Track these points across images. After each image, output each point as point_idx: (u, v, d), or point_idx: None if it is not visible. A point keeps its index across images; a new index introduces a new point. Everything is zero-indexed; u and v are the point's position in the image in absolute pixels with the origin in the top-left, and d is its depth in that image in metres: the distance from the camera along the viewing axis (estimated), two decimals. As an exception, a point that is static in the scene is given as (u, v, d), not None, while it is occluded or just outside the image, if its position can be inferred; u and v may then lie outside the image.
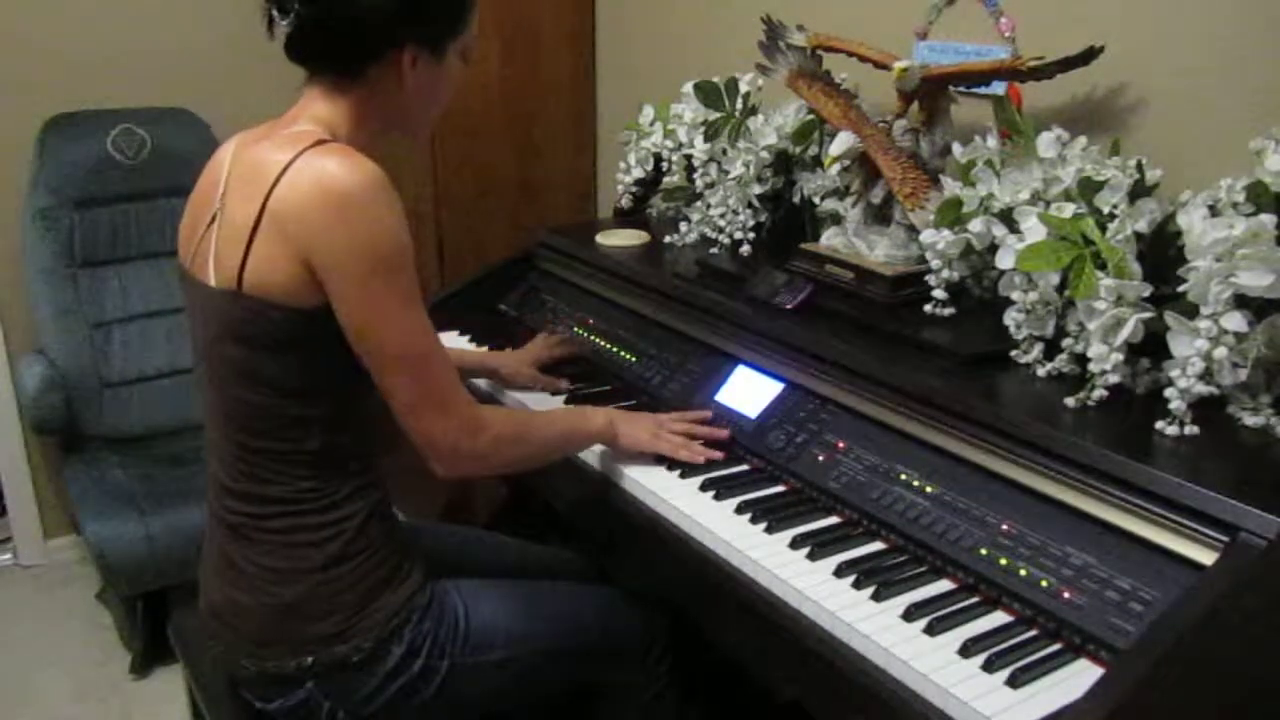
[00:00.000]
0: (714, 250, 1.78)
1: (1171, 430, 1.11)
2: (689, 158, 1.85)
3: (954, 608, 1.06)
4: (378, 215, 1.09)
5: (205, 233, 1.18)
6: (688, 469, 1.35)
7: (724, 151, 1.76)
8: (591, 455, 1.42)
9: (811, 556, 1.16)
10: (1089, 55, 1.34)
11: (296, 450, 1.18)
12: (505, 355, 1.69)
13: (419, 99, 1.22)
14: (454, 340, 1.85)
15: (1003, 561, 1.08)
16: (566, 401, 1.59)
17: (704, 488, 1.31)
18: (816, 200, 1.71)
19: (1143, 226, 1.21)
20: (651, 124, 1.96)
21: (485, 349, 1.76)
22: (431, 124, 1.30)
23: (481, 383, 1.67)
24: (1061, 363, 1.25)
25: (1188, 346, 1.10)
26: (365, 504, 1.23)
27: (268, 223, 1.10)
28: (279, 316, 1.11)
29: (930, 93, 1.48)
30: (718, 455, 1.37)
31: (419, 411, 1.16)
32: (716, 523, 1.23)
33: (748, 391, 1.44)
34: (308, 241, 1.08)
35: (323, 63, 1.17)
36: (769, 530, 1.21)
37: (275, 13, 1.14)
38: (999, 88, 1.51)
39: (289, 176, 1.09)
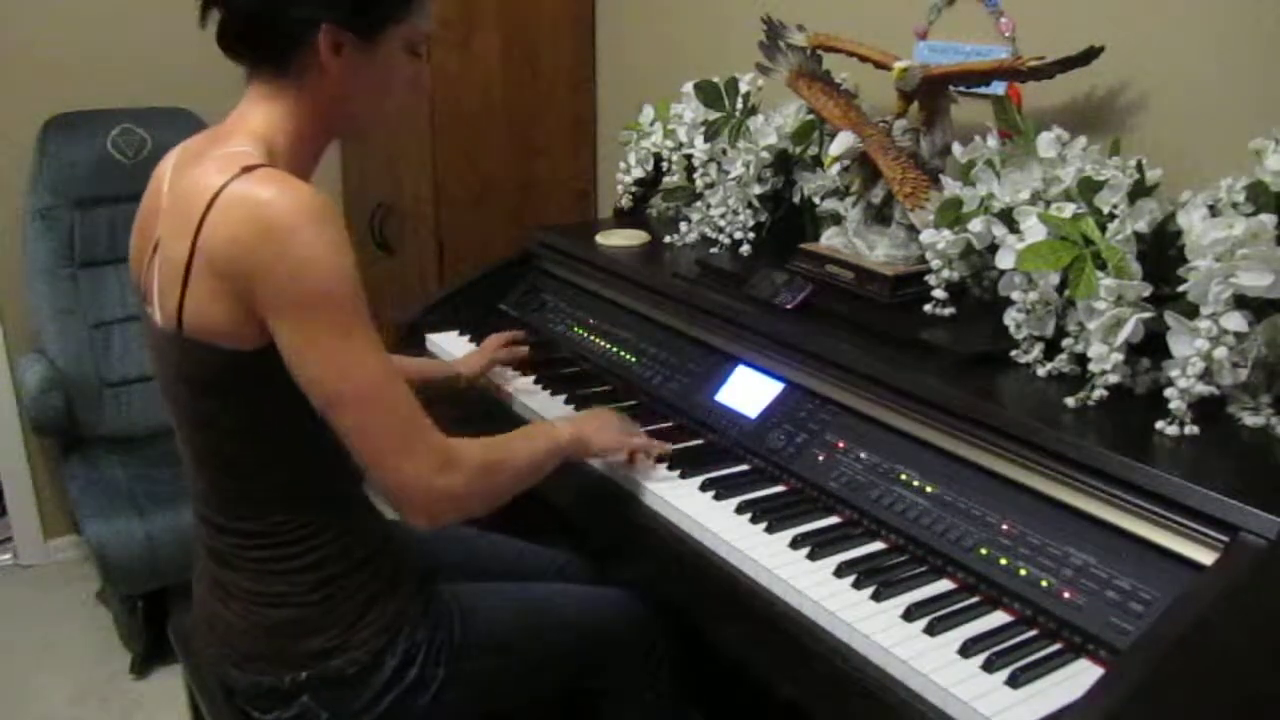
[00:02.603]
0: (714, 250, 1.78)
1: (1171, 430, 1.11)
2: (689, 158, 1.85)
3: (954, 608, 1.06)
4: (310, 240, 1.00)
5: (150, 262, 1.12)
6: (688, 469, 1.35)
7: (724, 151, 1.76)
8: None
9: (812, 556, 1.16)
10: (1089, 55, 1.34)
11: (262, 488, 1.14)
12: (459, 361, 1.68)
13: (356, 93, 1.13)
14: (454, 340, 1.85)
15: (1003, 561, 1.08)
16: (566, 402, 1.59)
17: (704, 488, 1.31)
18: (816, 200, 1.71)
19: (1143, 226, 1.21)
20: (651, 124, 1.96)
21: (431, 360, 1.77)
22: (385, 122, 1.20)
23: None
24: (1061, 363, 1.25)
25: (1188, 346, 1.10)
26: (347, 525, 1.19)
27: (200, 261, 1.03)
28: (222, 360, 1.05)
29: (930, 93, 1.48)
30: (669, 448, 1.38)
31: (384, 455, 1.06)
32: (716, 523, 1.23)
33: (748, 391, 1.44)
34: (242, 278, 1.01)
35: (247, 52, 1.11)
36: (769, 530, 1.21)
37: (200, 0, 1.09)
38: (999, 88, 1.51)
39: (218, 208, 1.01)
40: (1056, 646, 1.01)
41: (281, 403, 1.07)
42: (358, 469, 1.13)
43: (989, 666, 0.97)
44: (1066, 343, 1.24)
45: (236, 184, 1.02)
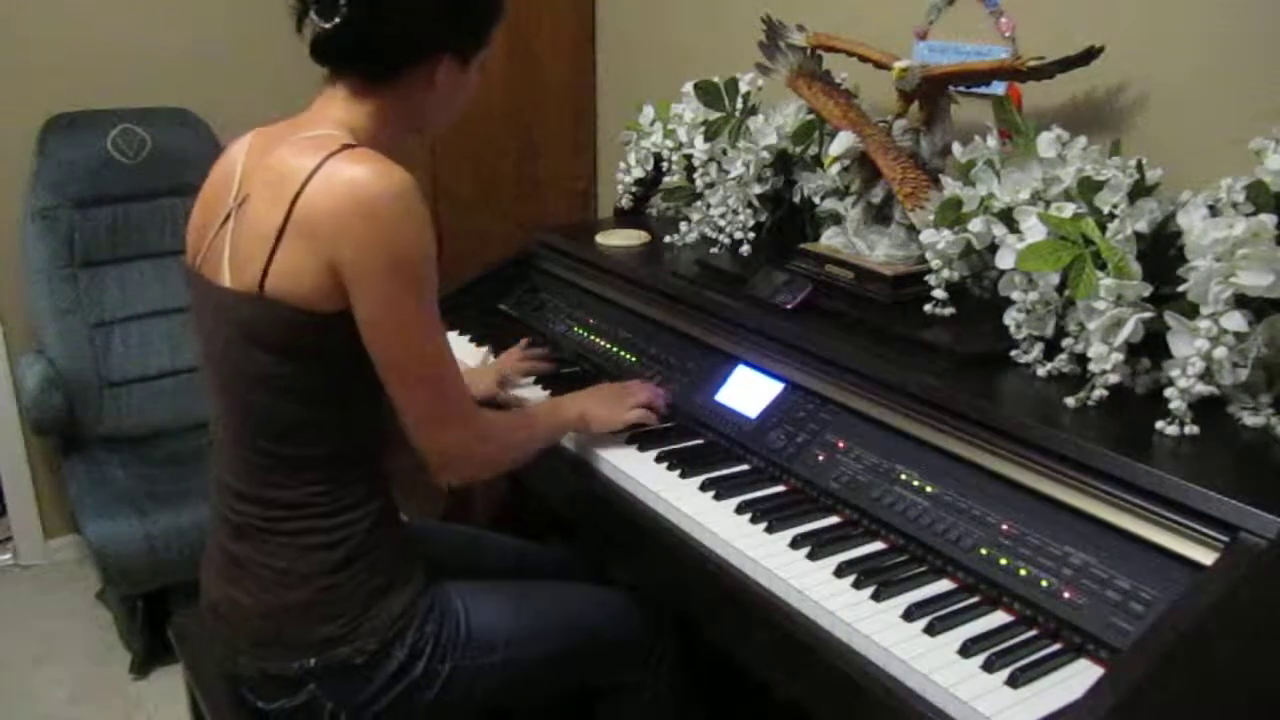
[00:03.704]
0: (714, 250, 1.78)
1: (1171, 430, 1.11)
2: (689, 158, 1.85)
3: (954, 607, 1.06)
4: (407, 223, 1.09)
5: (218, 233, 1.18)
6: (688, 469, 1.35)
7: (724, 151, 1.76)
8: (591, 454, 1.42)
9: (812, 556, 1.16)
10: (1089, 55, 1.34)
11: (307, 455, 1.18)
12: (472, 373, 1.64)
13: (441, 106, 1.23)
14: (454, 340, 1.85)
15: (1003, 561, 1.08)
16: (553, 391, 1.60)
17: (704, 488, 1.31)
18: (816, 200, 1.71)
19: (1143, 226, 1.21)
20: (651, 124, 1.96)
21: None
22: (450, 126, 1.31)
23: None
24: (1061, 363, 1.25)
25: (1188, 346, 1.10)
26: (373, 508, 1.23)
27: (294, 228, 1.09)
28: (300, 321, 1.11)
29: (930, 93, 1.48)
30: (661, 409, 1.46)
31: (433, 424, 1.16)
32: (717, 523, 1.23)
33: (748, 391, 1.44)
34: (336, 247, 1.08)
35: (359, 65, 1.17)
36: (769, 530, 1.21)
37: (314, 14, 1.13)
38: (999, 88, 1.51)
39: (317, 182, 1.09)
40: (1056, 646, 1.01)
41: (348, 368, 1.15)
42: (392, 441, 1.21)
43: (989, 666, 0.97)
44: (1066, 343, 1.24)
45: (334, 160, 1.09)
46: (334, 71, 1.19)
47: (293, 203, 1.09)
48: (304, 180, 1.09)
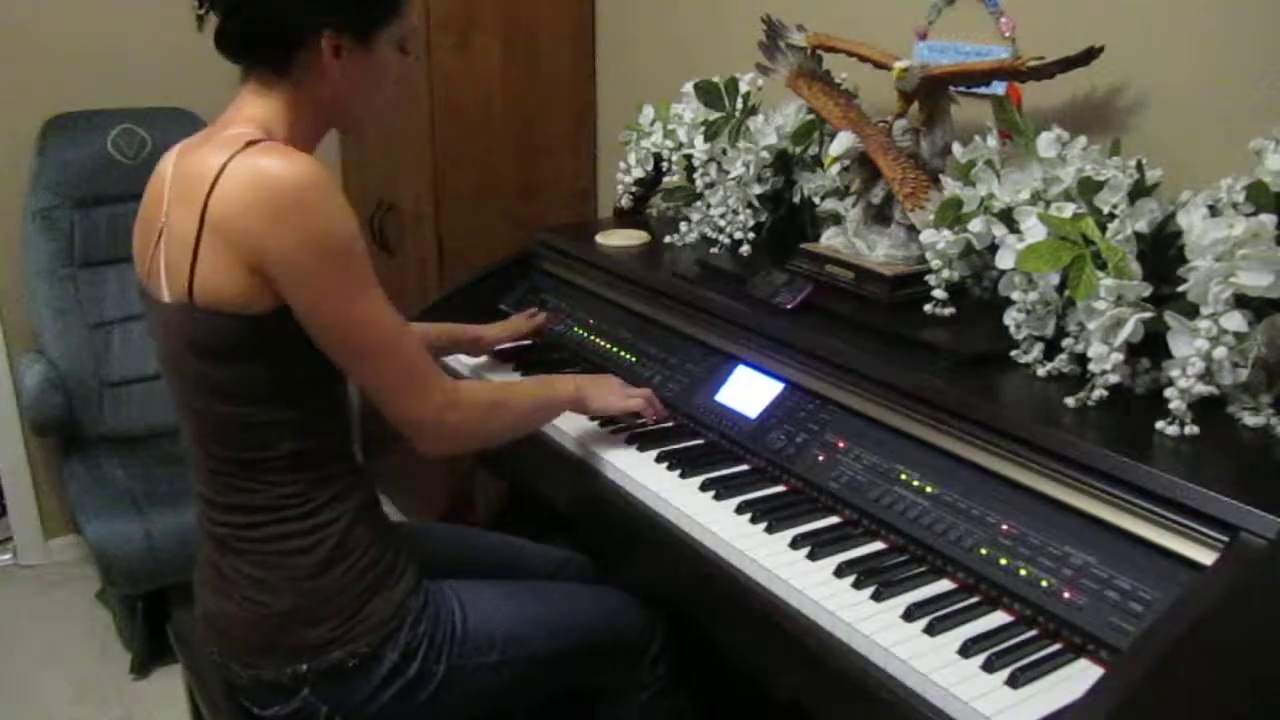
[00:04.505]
0: (714, 250, 1.78)
1: (1171, 430, 1.11)
2: (689, 158, 1.85)
3: (954, 608, 1.06)
4: (319, 207, 1.07)
5: (155, 248, 1.16)
6: (688, 469, 1.35)
7: (724, 151, 1.76)
8: (591, 454, 1.42)
9: (812, 556, 1.16)
10: (1089, 55, 1.34)
11: (271, 457, 1.16)
12: (485, 326, 1.72)
13: (352, 91, 1.18)
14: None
15: (1003, 561, 1.08)
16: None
17: (704, 488, 1.31)
18: (816, 200, 1.71)
19: (1143, 226, 1.21)
20: (651, 124, 1.96)
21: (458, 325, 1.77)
22: (378, 118, 1.25)
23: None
24: (1061, 363, 1.25)
25: (1188, 346, 1.10)
26: (349, 506, 1.21)
27: (209, 230, 1.07)
28: (235, 325, 1.09)
29: (930, 93, 1.48)
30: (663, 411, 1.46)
31: (399, 397, 1.15)
32: (716, 523, 1.23)
33: (748, 391, 1.44)
34: (252, 245, 1.06)
35: (247, 56, 1.15)
36: (769, 530, 1.21)
37: (199, 6, 1.12)
38: (999, 88, 1.51)
39: (225, 180, 1.07)
40: (1056, 646, 1.01)
41: (293, 365, 1.13)
42: (385, 440, 1.20)
43: (989, 666, 0.97)
44: (1066, 343, 1.24)
45: (241, 157, 1.07)
46: (242, 67, 1.17)
47: (204, 205, 1.07)
48: (212, 180, 1.07)
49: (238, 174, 1.06)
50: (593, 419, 1.48)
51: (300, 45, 1.13)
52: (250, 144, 1.09)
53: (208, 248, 1.08)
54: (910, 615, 1.05)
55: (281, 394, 1.15)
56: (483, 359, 1.75)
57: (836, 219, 1.63)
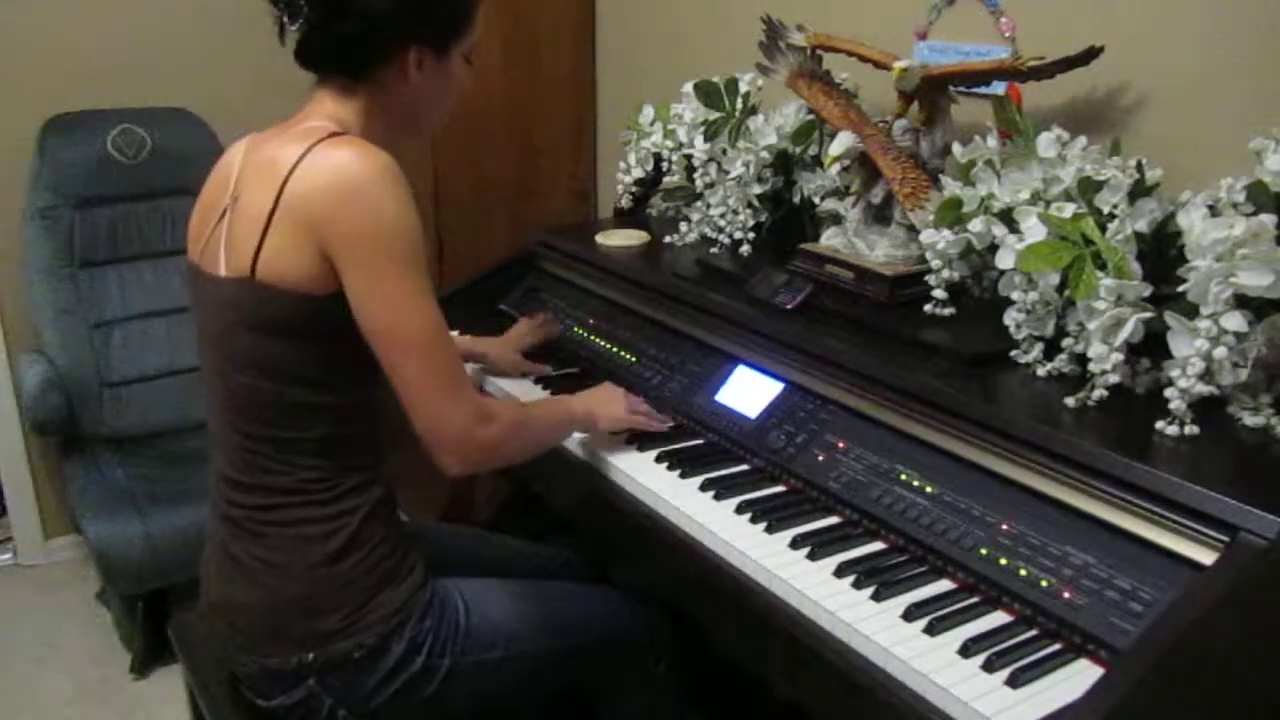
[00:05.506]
0: (714, 250, 1.78)
1: (1171, 430, 1.11)
2: (689, 158, 1.85)
3: (954, 608, 1.06)
4: (384, 198, 1.11)
5: (215, 228, 1.20)
6: (688, 469, 1.35)
7: (724, 151, 1.76)
8: (591, 454, 1.42)
9: (812, 556, 1.16)
10: (1089, 55, 1.34)
11: (302, 439, 1.19)
12: (490, 341, 1.71)
13: (425, 100, 1.24)
14: (455, 340, 1.84)
15: (1003, 561, 1.08)
16: (552, 392, 1.60)
17: (704, 488, 1.31)
18: (816, 200, 1.71)
19: (1143, 226, 1.21)
20: (651, 124, 1.96)
21: (469, 337, 1.76)
22: (438, 125, 1.32)
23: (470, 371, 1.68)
24: (1061, 363, 1.25)
25: (1188, 346, 1.10)
26: (369, 497, 1.23)
27: (283, 212, 1.12)
28: (292, 303, 1.13)
29: (930, 93, 1.48)
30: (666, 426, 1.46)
31: (430, 396, 1.15)
32: (716, 523, 1.23)
33: (748, 391, 1.44)
34: (322, 228, 1.11)
35: (331, 66, 1.20)
36: (769, 530, 1.21)
37: (285, 19, 1.16)
38: (999, 88, 1.51)
39: (303, 167, 1.12)
40: (1056, 646, 1.01)
41: (340, 350, 1.16)
42: (393, 437, 1.22)
43: (989, 666, 0.97)
44: (1066, 343, 1.24)
45: (322, 146, 1.13)
46: (318, 74, 1.22)
47: (281, 188, 1.12)
48: (291, 166, 1.12)
49: (315, 162, 1.12)
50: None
51: (386, 57, 1.18)
52: (333, 134, 1.15)
53: (278, 227, 1.12)
54: (910, 615, 1.05)
55: (325, 377, 1.18)
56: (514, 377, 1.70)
57: (836, 219, 1.63)
